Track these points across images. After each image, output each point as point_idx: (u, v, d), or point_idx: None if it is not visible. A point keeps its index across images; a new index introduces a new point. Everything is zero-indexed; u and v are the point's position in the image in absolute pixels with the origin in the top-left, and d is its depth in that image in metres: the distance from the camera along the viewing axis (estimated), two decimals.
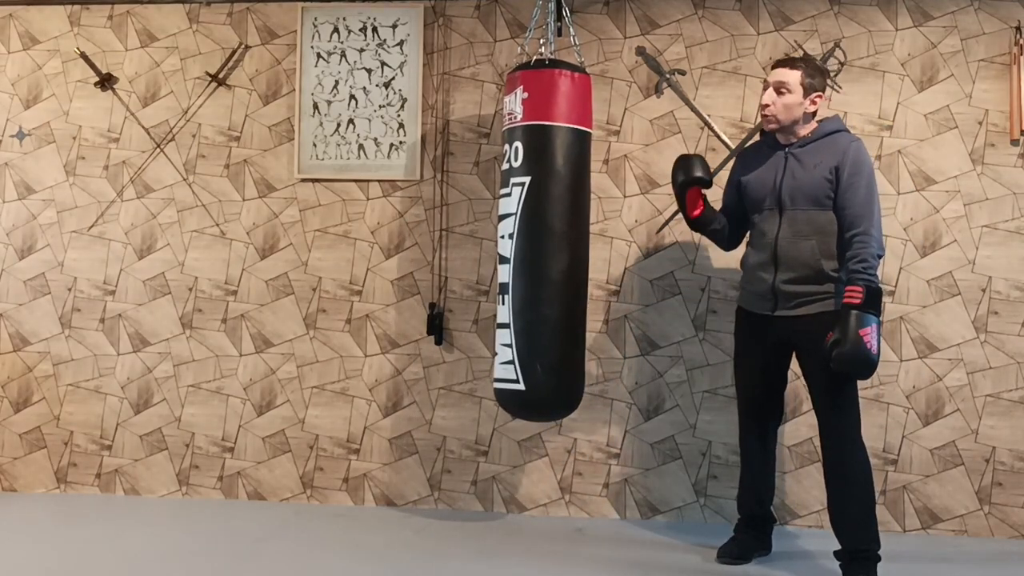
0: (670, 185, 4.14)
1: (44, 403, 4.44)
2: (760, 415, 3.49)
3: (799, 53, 4.10)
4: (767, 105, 3.30)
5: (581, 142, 3.62)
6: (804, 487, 4.03)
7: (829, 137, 3.29)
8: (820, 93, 3.32)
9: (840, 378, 3.16)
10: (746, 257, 3.47)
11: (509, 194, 3.61)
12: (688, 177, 3.42)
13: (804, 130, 3.32)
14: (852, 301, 3.06)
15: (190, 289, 4.41)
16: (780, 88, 3.29)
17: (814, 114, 3.34)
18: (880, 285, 3.13)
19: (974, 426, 3.98)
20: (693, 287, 4.15)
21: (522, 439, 4.21)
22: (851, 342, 3.01)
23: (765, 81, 3.36)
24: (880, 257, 3.15)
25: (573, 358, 3.61)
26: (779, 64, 3.36)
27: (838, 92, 4.08)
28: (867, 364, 3.04)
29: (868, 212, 3.15)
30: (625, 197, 4.20)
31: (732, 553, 3.44)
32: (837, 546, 3.24)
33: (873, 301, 3.06)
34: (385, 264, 4.33)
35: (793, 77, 3.28)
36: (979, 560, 3.53)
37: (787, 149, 3.33)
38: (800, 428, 4.04)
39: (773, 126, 3.32)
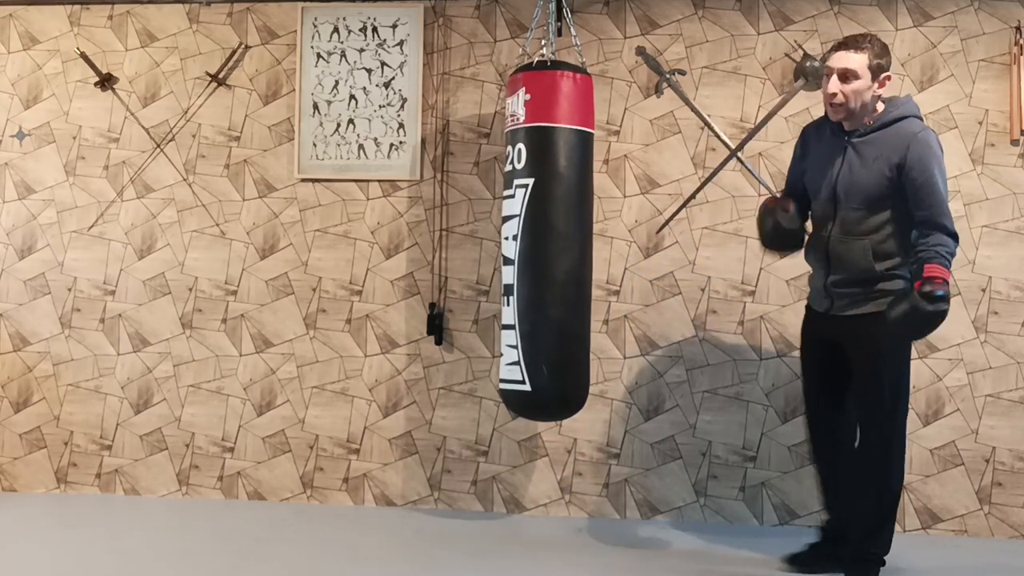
0: (670, 185, 4.18)
1: (44, 403, 4.44)
2: (824, 414, 3.33)
3: (799, 53, 4.11)
4: (834, 95, 3.02)
5: (584, 143, 3.63)
6: (804, 487, 4.03)
7: (893, 126, 3.05)
8: (888, 73, 3.06)
9: (887, 381, 3.07)
10: (806, 253, 3.33)
11: (513, 196, 3.62)
12: (783, 245, 3.37)
13: (869, 116, 3.08)
14: (937, 289, 2.86)
15: (190, 289, 4.41)
16: (846, 75, 3.01)
17: (880, 97, 3.10)
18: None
19: (974, 426, 3.98)
20: (693, 287, 4.15)
21: (522, 439, 4.21)
22: (925, 315, 2.85)
23: (828, 68, 3.07)
24: (952, 257, 2.98)
25: (578, 358, 3.62)
26: (841, 47, 3.05)
27: None
28: (937, 303, 2.86)
29: (943, 214, 2.97)
30: (625, 197, 4.20)
31: (798, 560, 3.34)
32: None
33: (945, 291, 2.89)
34: (385, 264, 4.33)
35: (859, 61, 2.99)
36: (979, 560, 3.54)
37: (848, 138, 3.11)
38: (800, 428, 4.04)
39: (842, 116, 3.07)
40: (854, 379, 3.19)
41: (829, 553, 3.30)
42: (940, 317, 2.90)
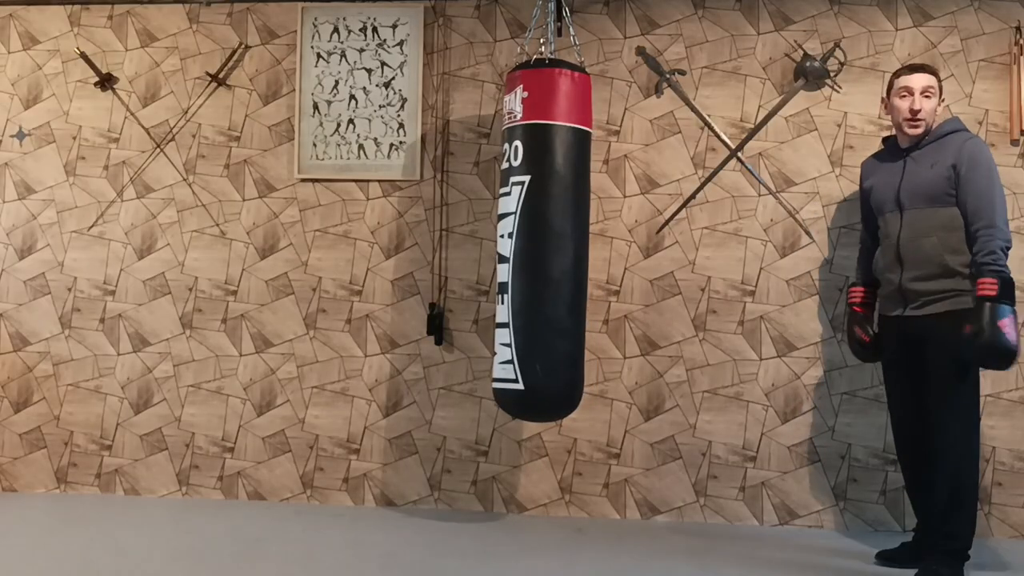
0: (670, 185, 4.18)
1: (44, 403, 4.44)
2: (908, 417, 3.41)
3: (799, 53, 4.11)
4: (919, 110, 3.30)
5: (581, 141, 3.63)
6: (804, 487, 4.03)
7: (946, 138, 3.30)
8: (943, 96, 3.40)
9: (958, 379, 3.17)
10: (875, 261, 3.49)
11: (509, 193, 3.61)
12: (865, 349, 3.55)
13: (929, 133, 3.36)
14: (987, 293, 3.06)
15: (190, 289, 4.41)
16: (927, 92, 3.32)
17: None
18: (1010, 275, 3.12)
19: None
20: (693, 287, 4.15)
21: (522, 439, 4.21)
22: (989, 334, 3.02)
23: (905, 88, 3.34)
24: (1008, 248, 3.15)
25: (573, 357, 3.61)
26: (916, 70, 3.37)
27: (838, 92, 4.08)
28: (1007, 354, 3.05)
29: (989, 204, 3.16)
30: (625, 197, 4.20)
31: (890, 555, 3.41)
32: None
33: (1007, 291, 3.07)
34: (385, 264, 4.33)
35: (935, 81, 3.35)
36: (979, 560, 3.53)
37: (906, 154, 3.37)
38: (800, 428, 4.05)
39: (920, 131, 3.33)
40: (929, 375, 3.27)
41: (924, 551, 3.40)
42: (1012, 354, 3.07)
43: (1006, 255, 3.14)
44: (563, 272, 3.55)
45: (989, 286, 3.07)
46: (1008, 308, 3.05)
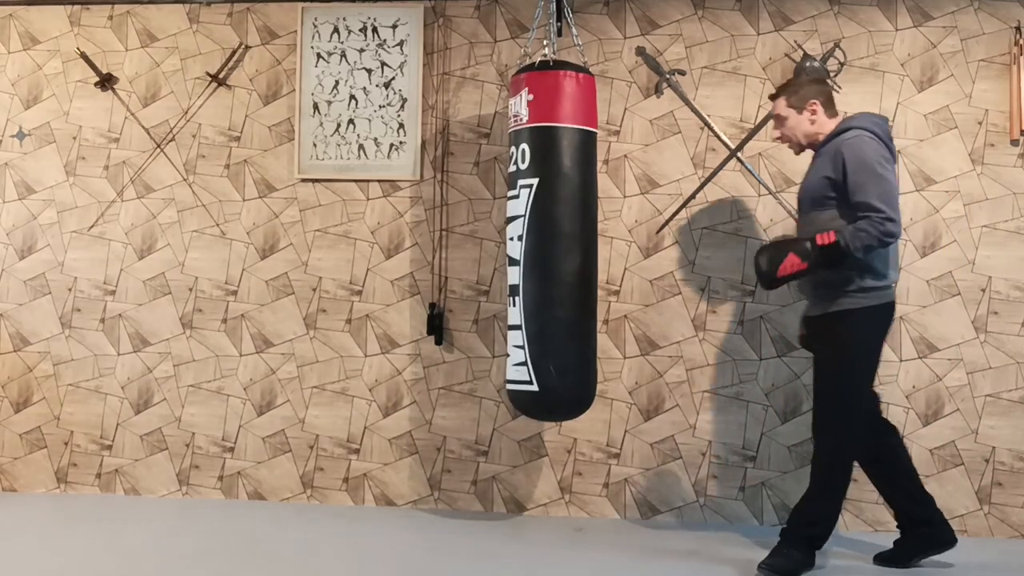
0: (670, 185, 4.18)
1: (44, 403, 4.44)
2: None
3: (799, 53, 4.11)
4: (777, 137, 3.48)
5: (587, 143, 3.64)
6: (804, 487, 4.01)
7: (830, 142, 3.30)
8: (813, 100, 3.35)
9: (832, 375, 3.25)
10: None
11: (517, 196, 3.63)
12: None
13: (822, 136, 3.39)
14: (818, 240, 3.13)
15: (190, 289, 4.41)
16: (776, 121, 3.46)
17: (831, 117, 3.36)
18: (856, 256, 3.09)
19: (974, 426, 3.98)
20: (693, 287, 4.15)
21: (522, 439, 4.21)
22: (774, 253, 3.21)
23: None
24: (889, 236, 3.07)
25: (585, 357, 3.64)
26: (770, 99, 3.52)
27: (838, 92, 4.08)
28: (760, 275, 3.26)
29: (867, 194, 3.09)
30: (625, 197, 4.21)
31: (887, 556, 3.45)
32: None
33: (832, 256, 3.10)
34: (385, 264, 4.33)
35: (778, 106, 3.42)
36: (979, 560, 3.53)
37: (814, 157, 3.44)
38: (800, 428, 4.05)
39: (796, 151, 3.48)
40: (813, 371, 3.40)
41: (915, 543, 3.42)
42: (762, 259, 3.24)
43: (881, 241, 3.08)
44: (573, 273, 3.59)
45: (825, 238, 3.11)
46: (807, 259, 3.12)
